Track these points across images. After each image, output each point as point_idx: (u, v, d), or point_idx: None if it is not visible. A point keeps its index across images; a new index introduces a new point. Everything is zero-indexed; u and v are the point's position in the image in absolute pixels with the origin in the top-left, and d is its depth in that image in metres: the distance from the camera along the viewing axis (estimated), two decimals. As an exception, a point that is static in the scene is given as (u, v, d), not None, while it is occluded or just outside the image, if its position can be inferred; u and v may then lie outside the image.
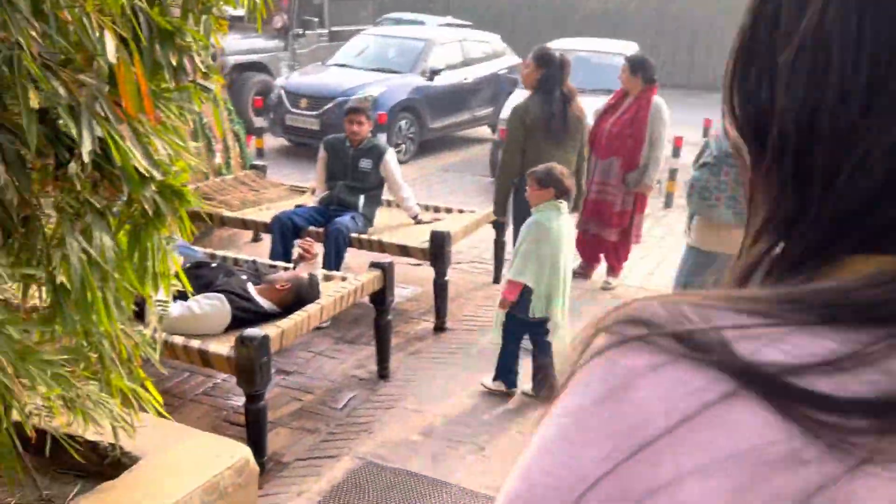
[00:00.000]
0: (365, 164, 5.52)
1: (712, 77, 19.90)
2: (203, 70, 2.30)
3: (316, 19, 12.46)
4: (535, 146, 5.04)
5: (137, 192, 2.09)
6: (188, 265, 3.85)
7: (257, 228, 5.29)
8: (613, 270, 6.03)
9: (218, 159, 6.42)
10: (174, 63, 2.16)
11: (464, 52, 11.34)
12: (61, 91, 1.93)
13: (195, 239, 5.97)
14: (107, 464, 2.69)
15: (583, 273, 6.14)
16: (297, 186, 6.45)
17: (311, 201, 5.77)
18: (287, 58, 12.28)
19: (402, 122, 10.08)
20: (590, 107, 8.86)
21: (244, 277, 3.80)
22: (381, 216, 5.83)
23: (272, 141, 10.59)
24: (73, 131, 1.90)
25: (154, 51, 2.08)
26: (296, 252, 4.15)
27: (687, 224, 4.25)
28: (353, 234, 5.18)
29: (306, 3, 12.63)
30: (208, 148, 6.31)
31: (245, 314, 3.61)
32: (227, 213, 5.46)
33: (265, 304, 3.70)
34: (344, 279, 4.22)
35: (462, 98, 11.10)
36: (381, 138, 6.14)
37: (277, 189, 6.35)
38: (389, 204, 6.06)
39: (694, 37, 20.19)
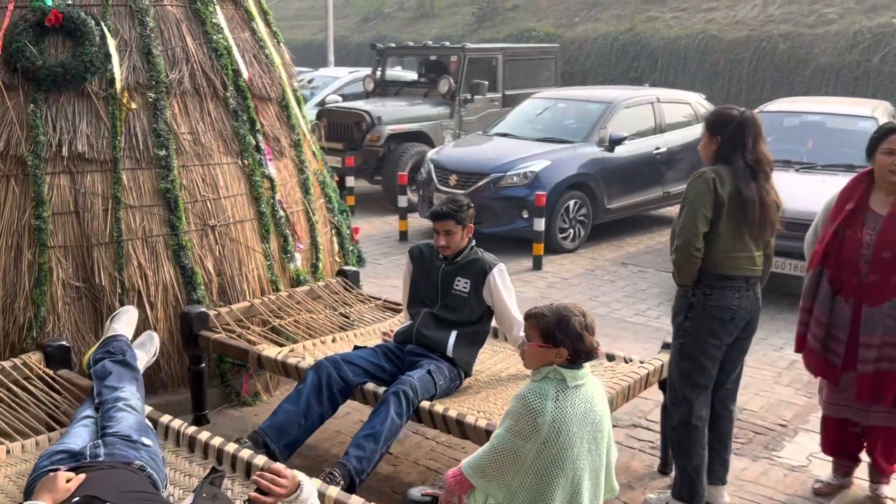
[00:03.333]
0: (461, 285, 3.74)
1: None
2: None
3: (486, 82, 11.00)
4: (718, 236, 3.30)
5: None
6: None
7: (300, 378, 3.67)
8: (883, 473, 3.67)
9: (298, 263, 4.93)
10: None
11: (656, 116, 9.29)
12: None
13: (222, 377, 4.47)
14: None
15: (839, 480, 3.80)
16: (392, 303, 4.78)
17: (397, 327, 4.04)
18: (453, 126, 10.90)
19: (570, 203, 8.19)
20: (819, 190, 6.50)
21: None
22: (487, 359, 4.00)
23: (420, 223, 9.14)
24: None
25: None
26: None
27: None
28: (426, 402, 3.37)
29: (477, 64, 11.23)
30: (283, 249, 4.83)
31: None
32: (265, 351, 3.87)
33: None
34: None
35: (651, 172, 9.02)
36: (488, 256, 3.97)
37: (364, 306, 4.72)
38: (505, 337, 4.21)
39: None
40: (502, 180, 8.02)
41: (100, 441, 2.66)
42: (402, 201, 8.73)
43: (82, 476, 2.36)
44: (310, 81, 13.80)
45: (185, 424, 3.09)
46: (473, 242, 3.86)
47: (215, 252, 4.50)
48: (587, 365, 2.49)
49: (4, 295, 4.00)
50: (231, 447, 2.91)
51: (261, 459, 2.80)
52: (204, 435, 3.00)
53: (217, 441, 2.96)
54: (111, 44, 4.32)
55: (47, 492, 2.27)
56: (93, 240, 4.15)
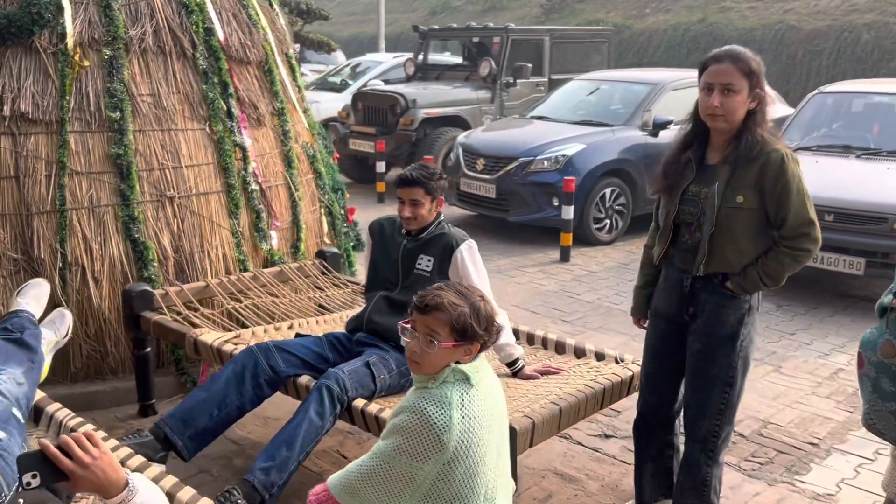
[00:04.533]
0: (423, 263, 3.21)
1: None
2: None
3: (530, 65, 10.38)
4: None
5: None
6: None
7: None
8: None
9: (273, 243, 4.48)
10: None
11: (710, 100, 8.49)
12: None
13: (177, 364, 4.05)
14: None
15: None
16: (370, 288, 4.27)
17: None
18: (493, 111, 10.33)
19: (607, 191, 7.53)
20: (881, 179, 5.69)
21: None
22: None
23: (448, 210, 8.60)
24: None
25: None
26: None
27: None
28: (361, 399, 2.86)
29: (522, 46, 10.63)
30: (255, 226, 4.39)
31: None
32: (202, 336, 3.42)
33: None
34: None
35: (702, 160, 8.23)
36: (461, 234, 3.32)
37: (338, 291, 4.23)
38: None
39: None
40: (532, 165, 7.42)
41: (-63, 430, 2.25)
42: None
43: None
44: (355, 67, 13.46)
45: (70, 415, 2.67)
46: (442, 217, 3.33)
47: (173, 226, 4.09)
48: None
49: (-66, 265, 3.68)
50: (112, 443, 2.47)
51: (153, 471, 2.31)
52: (86, 429, 2.57)
53: (99, 435, 2.51)
54: (64, -5, 3.96)
55: None
56: (33, 208, 3.79)
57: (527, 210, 7.47)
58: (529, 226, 7.67)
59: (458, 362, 1.87)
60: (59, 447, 1.55)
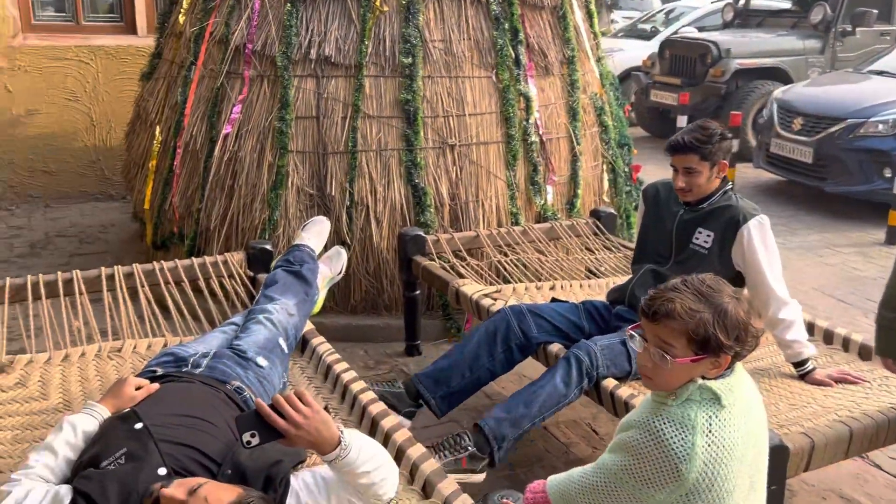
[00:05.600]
0: (702, 238, 2.85)
1: None
2: None
3: (875, 11, 8.92)
4: None
5: None
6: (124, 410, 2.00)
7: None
8: None
9: (548, 197, 4.33)
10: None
11: None
12: None
13: (444, 309, 4.07)
14: None
15: None
16: (646, 255, 3.95)
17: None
18: (822, 63, 9.09)
19: (957, 166, 6.26)
20: None
21: (162, 472, 1.78)
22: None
23: (749, 174, 7.77)
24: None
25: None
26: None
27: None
28: (612, 380, 2.62)
29: (867, -12, 9.16)
30: (531, 179, 4.27)
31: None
32: (464, 287, 3.38)
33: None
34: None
35: None
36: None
37: (609, 255, 3.96)
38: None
39: None
40: (862, 128, 6.39)
41: (211, 352, 2.45)
42: (733, 146, 7.48)
43: (155, 387, 2.14)
44: (669, 13, 12.66)
45: (329, 351, 2.78)
46: (729, 185, 2.91)
47: (451, 174, 4.11)
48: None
49: (245, 194, 4.07)
50: (357, 385, 2.52)
51: (389, 421, 2.30)
52: (340, 366, 2.66)
53: (348, 376, 2.59)
54: (370, -58, 4.07)
55: (112, 396, 2.09)
56: (329, 148, 4.03)
57: (849, 180, 6.49)
58: (850, 198, 6.67)
59: (703, 376, 1.56)
60: (273, 407, 1.58)
